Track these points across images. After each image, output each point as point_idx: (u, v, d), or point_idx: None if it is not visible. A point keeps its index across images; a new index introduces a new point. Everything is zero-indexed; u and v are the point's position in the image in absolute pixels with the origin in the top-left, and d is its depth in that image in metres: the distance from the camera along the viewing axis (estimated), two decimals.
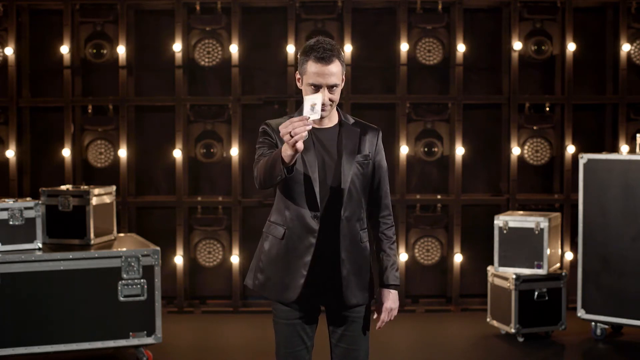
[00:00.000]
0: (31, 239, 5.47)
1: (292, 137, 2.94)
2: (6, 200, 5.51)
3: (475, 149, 7.42)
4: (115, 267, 5.41)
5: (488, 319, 6.46)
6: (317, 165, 3.27)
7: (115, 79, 7.19)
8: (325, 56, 3.20)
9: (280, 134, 2.99)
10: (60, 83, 7.19)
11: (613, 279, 6.07)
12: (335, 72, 3.21)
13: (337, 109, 3.37)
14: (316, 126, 3.30)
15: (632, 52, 7.29)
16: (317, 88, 3.21)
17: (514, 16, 7.20)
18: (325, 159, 3.29)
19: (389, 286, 3.42)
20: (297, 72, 3.30)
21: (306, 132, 2.94)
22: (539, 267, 6.23)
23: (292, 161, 3.03)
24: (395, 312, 3.45)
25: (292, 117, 3.37)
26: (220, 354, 5.98)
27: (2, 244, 5.37)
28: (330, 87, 3.22)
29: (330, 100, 3.24)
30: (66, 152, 7.15)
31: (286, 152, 3.00)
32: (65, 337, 5.30)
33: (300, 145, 2.96)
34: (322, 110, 3.23)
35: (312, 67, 3.21)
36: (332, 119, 3.35)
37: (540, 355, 5.90)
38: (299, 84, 3.30)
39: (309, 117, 2.99)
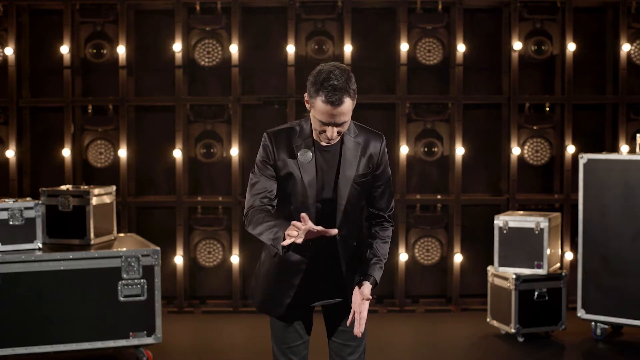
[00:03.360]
0: (31, 239, 5.47)
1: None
2: (6, 200, 5.52)
3: (475, 149, 7.42)
4: (115, 267, 5.41)
5: (488, 319, 6.46)
6: (316, 187, 3.22)
7: (115, 79, 7.19)
8: (335, 100, 3.05)
9: (292, 229, 2.93)
10: (60, 83, 7.19)
11: (613, 279, 6.07)
12: (345, 111, 3.10)
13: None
14: (322, 143, 3.22)
15: (632, 52, 7.29)
16: (325, 124, 3.13)
17: (514, 16, 7.20)
18: (325, 178, 3.24)
19: (367, 277, 3.29)
20: (306, 94, 3.16)
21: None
22: (539, 267, 6.23)
23: (290, 244, 2.99)
24: (365, 307, 3.26)
25: (294, 127, 3.27)
26: (220, 354, 5.98)
27: (2, 244, 5.37)
28: (340, 125, 3.14)
29: (338, 132, 3.16)
30: (66, 152, 7.15)
31: (290, 234, 2.95)
32: (65, 337, 5.30)
33: (299, 240, 2.95)
34: (330, 139, 3.16)
35: (321, 106, 3.08)
36: None
37: (540, 355, 5.90)
38: (307, 106, 3.18)
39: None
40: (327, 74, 3.08)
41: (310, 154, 3.22)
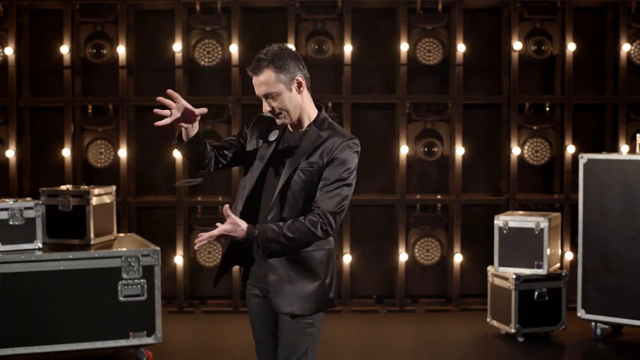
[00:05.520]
0: (31, 239, 5.47)
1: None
2: (6, 200, 5.52)
3: (475, 149, 7.42)
4: (115, 267, 5.41)
5: (488, 319, 6.46)
6: (264, 164, 3.28)
7: (115, 79, 7.19)
8: (253, 67, 3.21)
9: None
10: (60, 83, 7.19)
11: (613, 279, 6.07)
12: (264, 81, 3.19)
13: (321, 115, 3.31)
14: (290, 129, 3.32)
15: (632, 52, 7.29)
16: (261, 98, 3.26)
17: (514, 16, 7.20)
18: (281, 158, 3.28)
19: (256, 227, 3.17)
20: None
21: None
22: (539, 267, 6.23)
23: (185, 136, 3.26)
24: (217, 231, 3.13)
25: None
26: (220, 354, 5.98)
27: (2, 244, 5.37)
28: (267, 97, 3.22)
29: (276, 108, 3.24)
30: (66, 152, 7.15)
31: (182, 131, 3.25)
32: (65, 337, 5.30)
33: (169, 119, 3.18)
34: (278, 117, 3.27)
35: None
36: (304, 124, 3.31)
37: (540, 355, 5.90)
38: None
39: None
40: (261, 52, 3.24)
41: (276, 133, 3.33)
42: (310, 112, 3.31)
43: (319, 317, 3.33)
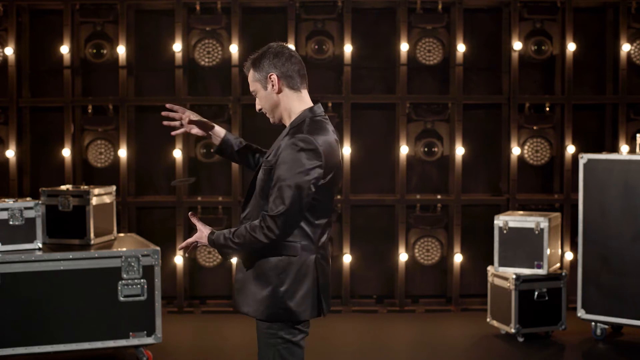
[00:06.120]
0: (31, 239, 5.47)
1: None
2: (6, 200, 5.51)
3: (475, 149, 7.42)
4: (115, 267, 5.41)
5: (488, 319, 6.46)
6: (261, 164, 3.31)
7: (115, 79, 7.19)
8: (244, 65, 3.31)
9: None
10: (60, 83, 7.19)
11: (613, 279, 6.07)
12: (250, 80, 3.28)
13: (304, 114, 3.20)
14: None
15: (632, 52, 7.29)
16: None
17: (514, 16, 7.20)
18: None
19: (211, 233, 3.30)
20: None
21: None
22: (539, 267, 6.23)
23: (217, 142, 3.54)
24: (192, 239, 3.35)
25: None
26: (220, 354, 5.98)
27: (2, 244, 5.37)
28: (253, 94, 3.31)
29: (261, 106, 3.30)
30: (66, 152, 7.15)
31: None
32: (65, 337, 5.30)
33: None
34: (265, 115, 3.32)
35: None
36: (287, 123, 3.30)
37: (540, 355, 5.90)
38: None
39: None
40: None
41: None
42: (295, 111, 3.22)
43: (289, 330, 3.19)
